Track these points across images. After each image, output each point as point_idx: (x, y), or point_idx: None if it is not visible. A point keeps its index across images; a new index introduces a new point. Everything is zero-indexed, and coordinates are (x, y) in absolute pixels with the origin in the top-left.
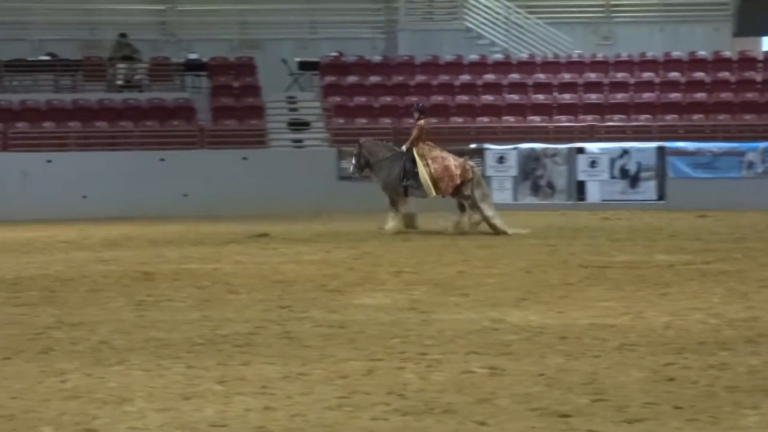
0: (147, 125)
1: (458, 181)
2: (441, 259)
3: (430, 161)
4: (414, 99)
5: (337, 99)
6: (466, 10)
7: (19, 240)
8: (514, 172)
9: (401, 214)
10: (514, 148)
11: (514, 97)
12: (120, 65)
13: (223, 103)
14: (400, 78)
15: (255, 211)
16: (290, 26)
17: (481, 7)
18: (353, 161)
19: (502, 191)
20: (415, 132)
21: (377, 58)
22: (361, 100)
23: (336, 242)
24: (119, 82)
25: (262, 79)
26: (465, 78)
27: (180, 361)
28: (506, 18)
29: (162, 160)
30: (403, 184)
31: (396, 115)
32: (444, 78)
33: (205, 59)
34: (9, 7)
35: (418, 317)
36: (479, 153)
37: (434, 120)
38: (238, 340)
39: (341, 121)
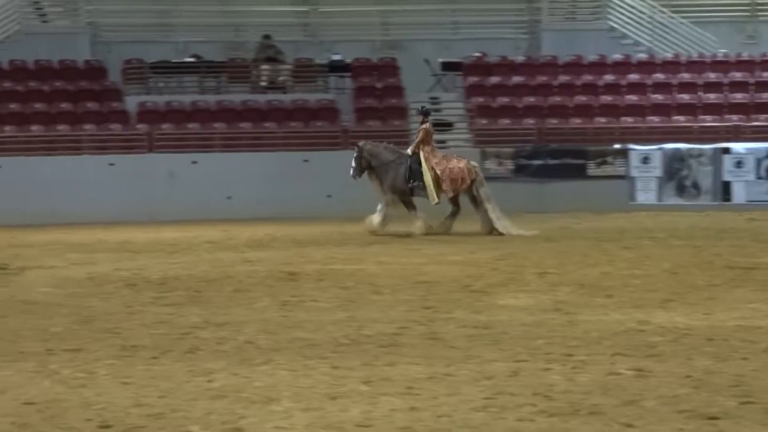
0: (291, 126)
1: (468, 183)
2: (585, 260)
3: (434, 164)
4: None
5: (480, 99)
6: (609, 10)
7: (165, 240)
8: (658, 172)
9: (390, 215)
10: (659, 149)
11: (659, 97)
12: (264, 67)
13: (367, 104)
14: (543, 78)
15: (397, 212)
16: (433, 27)
17: (624, 6)
18: (353, 163)
19: (646, 192)
20: (420, 134)
21: (520, 58)
22: (504, 100)
23: (479, 243)
24: (263, 84)
25: (405, 79)
26: (609, 78)
27: (325, 361)
28: (650, 17)
29: (306, 161)
30: (410, 186)
31: (539, 115)
32: (587, 78)
33: (348, 60)
34: (155, 9)
35: (563, 318)
36: (623, 153)
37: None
38: (382, 340)
39: (484, 121)
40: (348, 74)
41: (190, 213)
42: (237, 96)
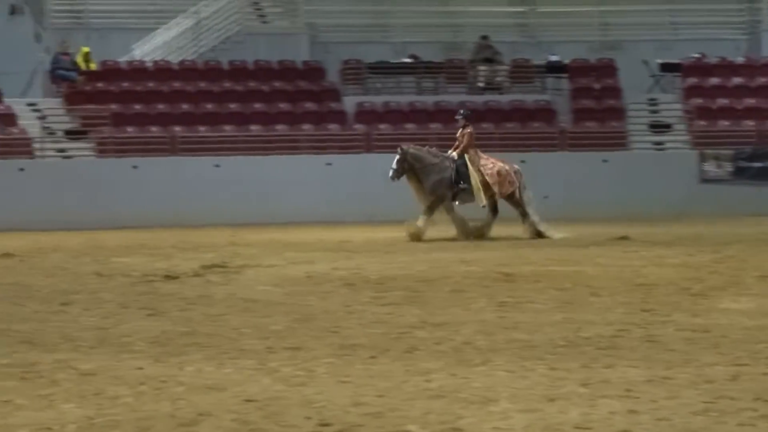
0: (508, 127)
1: (516, 186)
2: None
3: (481, 167)
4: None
5: (699, 101)
6: None
7: (382, 240)
8: None
9: (459, 218)
10: None
11: None
12: (481, 67)
13: (584, 105)
14: (764, 79)
15: (614, 214)
16: (651, 27)
17: None
18: (395, 166)
19: None
20: (466, 139)
21: (740, 59)
22: (724, 102)
23: (698, 245)
24: (480, 84)
25: (623, 80)
26: None
27: (543, 362)
28: None
29: (523, 161)
30: (460, 187)
31: (759, 117)
32: None
33: (565, 61)
34: (373, 10)
35: None
36: None
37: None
38: (600, 342)
39: (703, 123)
40: (565, 75)
41: (406, 213)
42: (454, 96)
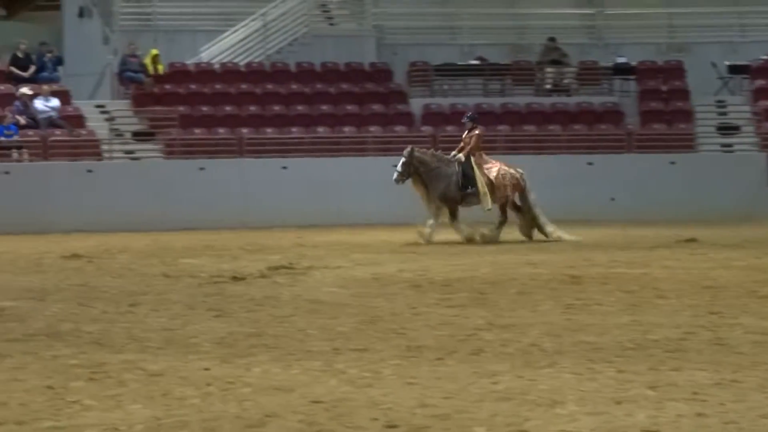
0: (575, 129)
1: (521, 189)
2: None
3: (486, 170)
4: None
5: (767, 103)
6: None
7: (449, 242)
8: None
9: (461, 224)
10: None
11: None
12: (548, 69)
13: (652, 107)
14: None
15: (682, 216)
16: (719, 29)
17: None
18: (400, 168)
19: None
20: (473, 141)
21: None
22: None
23: (766, 248)
24: (547, 86)
25: (691, 82)
26: None
27: (610, 365)
28: None
29: (590, 163)
30: (467, 192)
31: None
32: None
33: (633, 63)
34: (440, 12)
35: None
36: None
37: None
38: (668, 345)
39: None
40: (633, 77)
41: (472, 215)
42: (521, 99)
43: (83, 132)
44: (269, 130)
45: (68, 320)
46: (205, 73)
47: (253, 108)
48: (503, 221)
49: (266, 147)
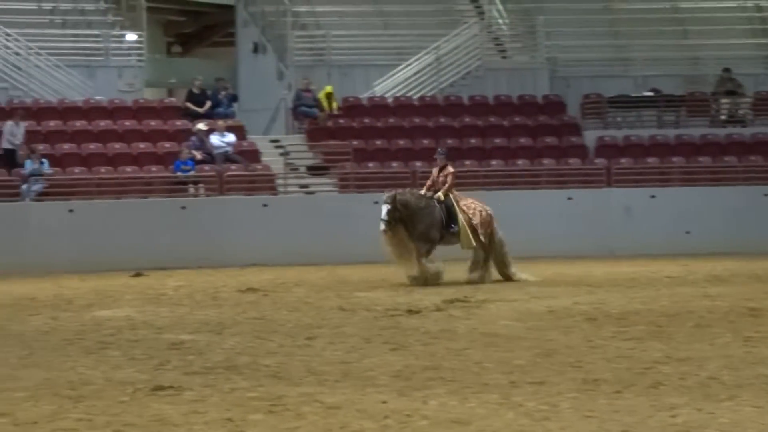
0: (751, 160)
1: (493, 227)
2: None
3: (465, 207)
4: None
5: None
6: None
7: (623, 275)
8: None
9: (428, 266)
10: None
11: None
12: (723, 100)
13: None
14: None
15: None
16: None
17: None
18: (385, 216)
19: None
20: (450, 179)
21: None
22: None
23: None
24: (723, 117)
25: None
26: None
27: None
28: None
29: (766, 195)
30: (450, 231)
31: None
32: None
33: None
34: (613, 44)
35: None
36: None
37: None
38: None
39: None
40: None
41: (647, 248)
42: (696, 130)
43: (258, 167)
44: None
45: (246, 353)
46: (378, 108)
47: (426, 141)
48: (487, 257)
49: None
